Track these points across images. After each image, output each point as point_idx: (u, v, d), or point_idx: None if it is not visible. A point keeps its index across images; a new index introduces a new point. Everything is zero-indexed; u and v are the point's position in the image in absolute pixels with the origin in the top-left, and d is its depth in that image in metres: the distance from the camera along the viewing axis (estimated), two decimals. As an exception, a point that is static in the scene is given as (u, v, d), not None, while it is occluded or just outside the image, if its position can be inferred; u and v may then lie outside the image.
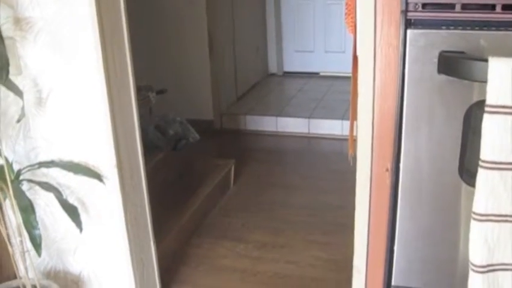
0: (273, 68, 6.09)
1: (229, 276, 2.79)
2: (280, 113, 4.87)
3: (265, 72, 6.04)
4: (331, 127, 4.59)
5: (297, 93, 5.43)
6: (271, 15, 5.92)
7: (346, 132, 4.23)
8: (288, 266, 2.85)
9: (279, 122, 4.76)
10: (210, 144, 4.42)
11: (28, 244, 2.08)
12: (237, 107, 5.09)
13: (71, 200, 2.20)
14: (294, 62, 6.06)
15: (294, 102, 5.19)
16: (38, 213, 2.10)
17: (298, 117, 4.74)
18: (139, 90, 2.30)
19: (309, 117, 4.70)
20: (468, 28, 1.31)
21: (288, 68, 6.12)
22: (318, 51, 5.91)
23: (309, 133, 4.68)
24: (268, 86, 5.78)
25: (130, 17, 2.11)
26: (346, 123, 4.42)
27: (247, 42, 5.48)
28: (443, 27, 1.32)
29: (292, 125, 4.72)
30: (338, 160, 4.05)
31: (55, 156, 2.19)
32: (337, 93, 5.28)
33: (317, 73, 5.96)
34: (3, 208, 2.09)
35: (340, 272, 2.71)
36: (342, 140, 4.40)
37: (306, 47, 5.95)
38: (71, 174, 2.16)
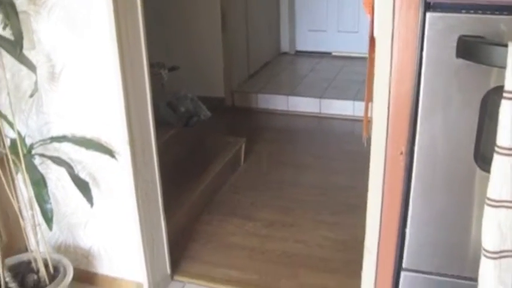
0: (285, 46, 6.06)
1: (238, 254, 2.80)
2: (292, 92, 4.85)
3: (277, 51, 6.02)
4: (342, 107, 4.57)
5: (309, 73, 5.41)
6: (285, -7, 5.89)
7: (358, 113, 4.23)
8: (296, 245, 2.86)
9: (290, 101, 4.75)
10: (221, 121, 4.42)
11: (39, 218, 2.09)
12: (248, 85, 5.07)
13: (83, 175, 2.22)
14: (306, 41, 6.02)
15: (306, 81, 5.17)
16: (49, 188, 2.12)
17: (310, 96, 4.73)
18: (151, 66, 2.29)
19: (320, 97, 4.68)
20: (488, 12, 1.29)
21: (300, 47, 6.09)
22: (331, 31, 5.87)
23: (320, 113, 4.67)
24: (280, 64, 5.76)
25: (144, -7, 2.10)
26: (358, 104, 4.41)
27: (260, 21, 5.45)
28: (463, 11, 1.30)
29: (303, 104, 4.71)
30: (349, 141, 4.05)
31: (67, 131, 2.20)
32: (350, 73, 5.26)
33: (329, 53, 5.93)
34: (16, 182, 2.10)
35: (348, 253, 2.72)
36: (353, 120, 4.39)
37: (319, 26, 5.90)
38: (82, 150, 2.17)
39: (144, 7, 2.10)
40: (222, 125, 4.40)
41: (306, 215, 3.13)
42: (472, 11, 1.30)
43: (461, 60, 1.32)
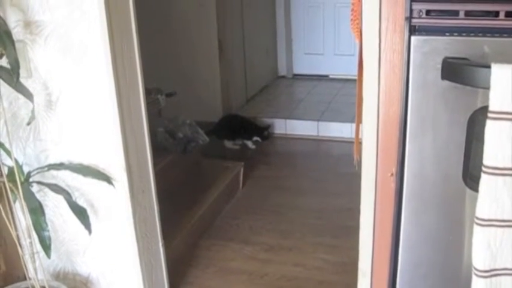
0: (282, 70, 6.11)
1: (237, 278, 2.80)
2: (290, 115, 4.88)
3: (274, 75, 6.06)
4: (340, 130, 4.59)
5: (307, 96, 5.44)
6: (281, 18, 5.93)
7: (355, 135, 4.24)
8: (295, 269, 2.85)
9: (288, 124, 4.77)
10: (220, 146, 4.44)
11: (37, 246, 2.09)
12: (246, 109, 5.09)
13: (80, 202, 2.22)
14: (303, 65, 6.07)
15: (304, 104, 5.20)
16: (47, 215, 2.12)
17: (308, 119, 4.75)
18: (148, 92, 2.31)
19: (318, 120, 4.70)
20: (472, 34, 1.31)
21: (297, 70, 6.13)
22: (328, 54, 5.92)
23: (318, 136, 4.68)
24: (277, 88, 5.80)
25: (139, 19, 2.12)
26: (355, 126, 4.42)
27: (257, 45, 5.49)
28: (447, 34, 1.33)
29: (301, 127, 4.73)
30: (347, 163, 4.01)
31: (65, 159, 2.21)
32: (347, 96, 5.28)
33: (326, 76, 5.97)
34: (13, 210, 2.11)
35: (348, 275, 2.70)
36: (351, 142, 4.33)
37: (316, 49, 5.96)
38: (80, 177, 2.17)
39: (139, 34, 2.13)
40: (220, 150, 4.41)
41: (305, 238, 3.13)
42: (456, 34, 1.32)
43: (446, 82, 1.34)
